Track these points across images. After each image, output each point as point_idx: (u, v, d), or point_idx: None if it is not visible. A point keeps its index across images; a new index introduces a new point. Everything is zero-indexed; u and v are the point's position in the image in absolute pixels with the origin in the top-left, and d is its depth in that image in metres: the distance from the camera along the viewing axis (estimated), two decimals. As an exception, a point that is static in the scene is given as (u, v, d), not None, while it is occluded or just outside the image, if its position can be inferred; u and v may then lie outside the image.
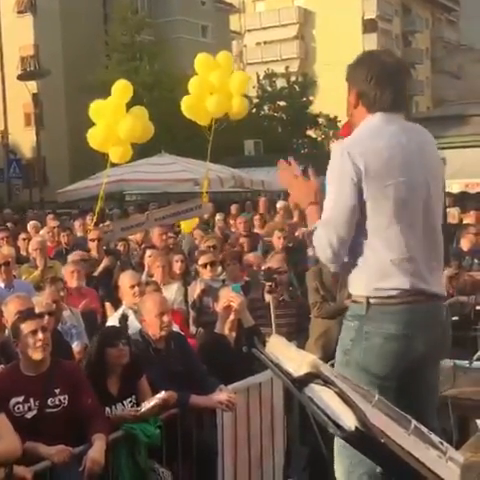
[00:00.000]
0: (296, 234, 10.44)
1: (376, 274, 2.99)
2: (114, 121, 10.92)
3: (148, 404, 4.23)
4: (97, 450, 3.84)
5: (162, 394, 4.26)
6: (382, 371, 2.97)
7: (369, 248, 2.99)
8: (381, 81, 3.03)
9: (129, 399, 4.40)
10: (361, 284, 3.04)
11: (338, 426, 1.83)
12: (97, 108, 11.22)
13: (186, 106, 11.57)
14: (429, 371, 3.12)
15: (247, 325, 5.50)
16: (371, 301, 2.99)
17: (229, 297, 5.49)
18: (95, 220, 11.90)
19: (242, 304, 5.49)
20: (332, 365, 2.28)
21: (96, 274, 8.05)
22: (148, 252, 8.03)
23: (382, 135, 3.00)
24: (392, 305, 2.97)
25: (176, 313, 6.46)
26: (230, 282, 7.16)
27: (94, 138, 11.13)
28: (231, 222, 12.76)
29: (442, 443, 2.01)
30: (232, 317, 5.42)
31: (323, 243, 2.97)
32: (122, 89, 11.30)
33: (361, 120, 3.10)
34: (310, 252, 7.00)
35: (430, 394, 3.17)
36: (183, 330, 6.11)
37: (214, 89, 11.34)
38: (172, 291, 7.00)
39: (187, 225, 11.35)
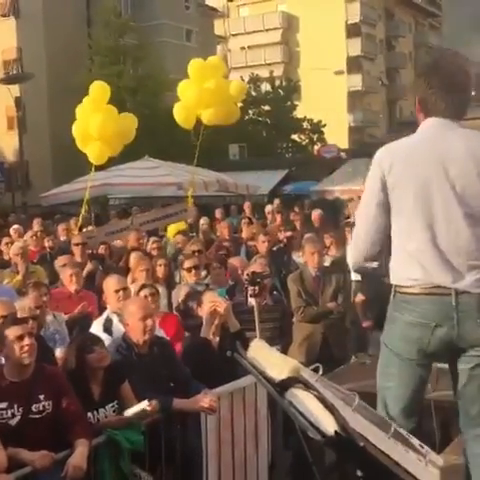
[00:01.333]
0: (281, 238, 10.47)
1: (403, 264, 3.23)
2: (86, 119, 10.99)
3: (132, 411, 4.23)
4: (79, 456, 3.83)
5: (146, 403, 4.26)
6: (407, 354, 3.24)
7: (397, 240, 3.26)
8: (438, 89, 3.20)
9: (111, 404, 4.39)
10: (392, 274, 3.30)
11: (318, 430, 1.84)
12: (79, 109, 11.33)
13: (175, 114, 11.56)
14: (472, 366, 3.23)
15: (233, 329, 5.51)
16: (397, 289, 3.26)
17: (215, 302, 5.51)
18: (80, 224, 11.85)
19: (228, 309, 5.51)
20: (315, 369, 2.29)
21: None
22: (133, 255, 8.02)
23: (417, 138, 3.25)
24: (411, 294, 3.20)
25: (171, 316, 6.44)
26: (215, 286, 7.17)
27: (76, 137, 11.26)
28: (216, 226, 12.76)
29: (422, 446, 2.02)
30: (217, 322, 5.43)
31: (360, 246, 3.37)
32: (98, 89, 11.32)
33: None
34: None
35: (477, 388, 3.26)
36: (179, 333, 6.07)
37: (210, 97, 11.28)
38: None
39: (172, 230, 11.33)
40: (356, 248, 3.42)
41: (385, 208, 3.24)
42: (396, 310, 3.27)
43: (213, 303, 5.47)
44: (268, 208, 13.60)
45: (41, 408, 4.04)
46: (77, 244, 8.80)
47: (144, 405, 4.25)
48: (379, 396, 3.36)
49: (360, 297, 7.71)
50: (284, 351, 6.23)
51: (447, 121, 3.22)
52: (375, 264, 3.53)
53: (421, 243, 3.17)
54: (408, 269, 3.21)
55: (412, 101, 3.50)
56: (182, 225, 11.14)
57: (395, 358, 3.28)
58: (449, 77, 3.19)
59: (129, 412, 4.24)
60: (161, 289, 7.22)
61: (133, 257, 7.90)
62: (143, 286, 6.19)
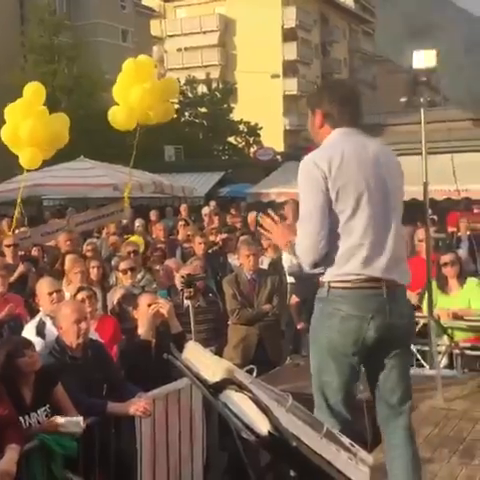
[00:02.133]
0: (216, 240, 10.49)
1: (337, 261, 3.39)
2: (16, 123, 10.74)
3: (71, 425, 4.17)
4: (7, 461, 3.78)
5: (80, 420, 4.21)
6: (343, 348, 3.38)
7: (335, 239, 3.39)
8: (341, 103, 3.57)
9: (43, 408, 4.31)
10: (327, 270, 3.43)
11: (252, 431, 1.85)
12: (9, 110, 11.02)
13: (114, 117, 11.43)
14: (394, 355, 3.47)
15: (175, 331, 5.52)
16: (331, 285, 3.41)
17: (157, 303, 5.51)
18: (14, 226, 11.59)
19: (171, 310, 5.54)
20: (249, 371, 2.31)
21: (11, 280, 7.86)
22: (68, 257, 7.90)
23: (341, 143, 3.48)
24: (347, 289, 3.38)
25: (108, 319, 6.37)
26: (158, 288, 7.15)
27: (5, 141, 10.96)
28: (151, 228, 12.69)
29: (353, 445, 2.06)
30: (158, 323, 5.44)
31: (308, 249, 3.41)
32: (33, 90, 11.08)
33: (321, 136, 3.61)
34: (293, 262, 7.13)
35: (397, 378, 3.50)
36: (117, 335, 6.01)
37: (143, 97, 11.22)
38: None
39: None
40: (307, 250, 3.43)
41: (326, 209, 3.38)
42: (331, 306, 3.40)
43: (155, 304, 5.47)
44: (205, 210, 13.62)
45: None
46: (8, 245, 8.62)
47: (78, 422, 4.20)
48: (318, 391, 3.49)
49: (294, 299, 7.79)
50: (219, 353, 6.26)
51: (355, 130, 3.55)
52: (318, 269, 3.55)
53: (356, 239, 3.37)
54: (343, 265, 3.39)
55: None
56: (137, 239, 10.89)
57: (332, 352, 3.40)
58: (347, 92, 3.67)
59: (62, 422, 4.18)
60: (96, 291, 7.15)
61: (68, 259, 7.78)
62: (80, 289, 6.14)
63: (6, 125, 10.98)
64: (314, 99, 3.70)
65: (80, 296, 5.90)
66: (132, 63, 11.82)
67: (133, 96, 11.30)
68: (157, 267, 7.89)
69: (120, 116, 11.50)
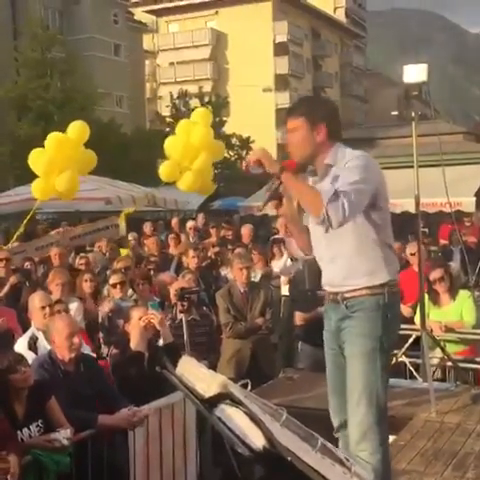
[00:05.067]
0: (209, 254, 10.48)
1: (389, 266, 3.57)
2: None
3: (60, 437, 4.15)
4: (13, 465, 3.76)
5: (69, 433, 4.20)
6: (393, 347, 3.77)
7: (384, 241, 3.57)
8: (337, 117, 3.71)
9: (36, 423, 4.29)
10: (381, 276, 3.54)
11: (247, 446, 1.85)
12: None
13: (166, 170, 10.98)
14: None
15: (167, 341, 5.53)
16: (390, 290, 3.54)
17: (149, 315, 5.53)
18: (13, 240, 11.52)
19: (163, 320, 5.59)
20: (244, 385, 2.31)
21: (2, 294, 7.85)
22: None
23: (367, 157, 3.58)
24: (398, 293, 3.62)
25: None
26: (142, 302, 7.13)
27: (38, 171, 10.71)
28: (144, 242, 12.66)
29: (348, 459, 2.06)
30: (150, 336, 5.45)
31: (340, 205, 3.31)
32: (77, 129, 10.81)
33: (319, 148, 3.59)
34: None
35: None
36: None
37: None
38: (72, 309, 6.86)
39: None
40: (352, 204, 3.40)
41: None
42: (390, 311, 3.59)
43: (147, 316, 5.49)
44: (189, 224, 13.47)
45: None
46: (1, 259, 8.59)
47: (67, 434, 4.19)
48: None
49: (300, 316, 7.39)
50: (213, 366, 6.25)
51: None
52: None
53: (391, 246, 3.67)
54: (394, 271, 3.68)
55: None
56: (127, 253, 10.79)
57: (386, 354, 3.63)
58: (337, 109, 3.86)
59: (52, 437, 4.16)
60: (77, 303, 7.15)
61: (51, 271, 7.76)
62: (58, 301, 6.21)
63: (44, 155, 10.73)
64: (314, 111, 3.62)
65: (56, 308, 5.95)
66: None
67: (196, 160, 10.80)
68: (138, 281, 7.81)
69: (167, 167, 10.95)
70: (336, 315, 3.61)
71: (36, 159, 10.66)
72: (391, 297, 3.53)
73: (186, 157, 10.60)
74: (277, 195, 3.55)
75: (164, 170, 10.87)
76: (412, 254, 7.66)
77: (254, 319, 6.97)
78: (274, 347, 7.65)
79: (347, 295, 3.54)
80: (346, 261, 3.54)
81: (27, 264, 9.63)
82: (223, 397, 1.94)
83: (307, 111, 3.61)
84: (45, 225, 16.82)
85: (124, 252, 10.66)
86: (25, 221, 11.68)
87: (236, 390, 1.96)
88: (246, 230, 11.46)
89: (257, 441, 1.87)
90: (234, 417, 1.91)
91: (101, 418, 4.54)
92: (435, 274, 6.61)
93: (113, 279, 7.37)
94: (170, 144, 10.85)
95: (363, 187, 3.35)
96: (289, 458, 1.86)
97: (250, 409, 1.88)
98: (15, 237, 11.57)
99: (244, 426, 1.89)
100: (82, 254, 10.18)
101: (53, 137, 10.74)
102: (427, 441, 4.66)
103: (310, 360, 6.67)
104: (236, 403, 1.92)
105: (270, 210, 3.86)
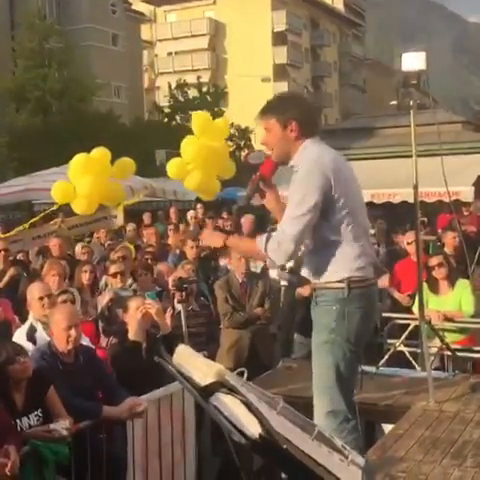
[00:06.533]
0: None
1: (353, 262, 3.63)
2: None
3: (59, 427, 4.15)
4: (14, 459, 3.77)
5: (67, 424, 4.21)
6: (357, 342, 3.70)
7: (342, 240, 3.61)
8: (311, 112, 3.78)
9: (35, 413, 4.30)
10: (341, 271, 3.63)
11: (243, 434, 1.85)
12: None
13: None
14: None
15: (165, 331, 5.53)
16: (351, 285, 3.61)
17: (146, 304, 5.52)
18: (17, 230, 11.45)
19: (160, 310, 5.58)
20: (240, 373, 2.31)
21: (1, 285, 7.84)
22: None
23: (328, 152, 3.67)
24: (364, 287, 3.66)
25: (87, 324, 6.38)
26: (142, 292, 7.13)
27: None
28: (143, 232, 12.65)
29: (345, 447, 2.06)
30: (148, 326, 5.44)
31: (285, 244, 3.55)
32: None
33: (293, 146, 3.65)
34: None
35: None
36: (93, 341, 6.02)
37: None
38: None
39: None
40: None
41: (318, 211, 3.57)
42: (352, 305, 3.70)
43: (144, 306, 5.49)
44: (191, 213, 13.60)
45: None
46: (-1, 250, 8.56)
47: (66, 425, 4.20)
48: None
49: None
50: (212, 357, 6.25)
51: (319, 139, 3.72)
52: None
53: (358, 242, 3.68)
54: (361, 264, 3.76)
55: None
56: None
57: (349, 347, 3.73)
58: (309, 102, 3.96)
59: (51, 428, 4.17)
60: (86, 295, 7.16)
61: (47, 262, 7.76)
62: (62, 292, 6.19)
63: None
64: (285, 109, 3.65)
65: (62, 298, 6.00)
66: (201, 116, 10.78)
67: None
68: (139, 271, 7.81)
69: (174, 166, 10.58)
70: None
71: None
72: (353, 292, 3.61)
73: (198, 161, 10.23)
74: (258, 189, 3.77)
75: (172, 167, 10.59)
76: (409, 243, 7.67)
77: (253, 309, 6.97)
78: (273, 337, 7.65)
79: (315, 287, 3.77)
80: (309, 259, 3.78)
81: (20, 255, 9.61)
82: (219, 385, 1.94)
83: (277, 110, 3.68)
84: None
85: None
86: (36, 218, 11.49)
87: (232, 378, 1.96)
88: (247, 220, 11.41)
89: (254, 430, 1.87)
90: (230, 405, 1.92)
91: (105, 409, 4.55)
92: (433, 260, 6.70)
93: (113, 269, 7.37)
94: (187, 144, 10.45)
95: (302, 214, 3.50)
96: (285, 446, 1.86)
97: (246, 397, 1.88)
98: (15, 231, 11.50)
99: (240, 414, 1.90)
100: (83, 244, 10.16)
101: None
102: (425, 430, 4.67)
103: (305, 350, 6.68)
104: (232, 391, 1.92)
105: (257, 201, 3.93)
